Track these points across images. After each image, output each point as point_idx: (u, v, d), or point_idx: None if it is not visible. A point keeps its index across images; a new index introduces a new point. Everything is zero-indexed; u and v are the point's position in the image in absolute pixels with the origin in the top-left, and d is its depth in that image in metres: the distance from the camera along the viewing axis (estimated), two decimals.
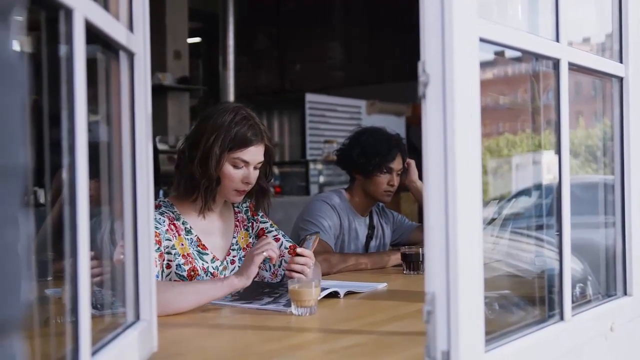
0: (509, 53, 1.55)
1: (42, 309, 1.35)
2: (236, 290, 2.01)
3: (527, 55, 1.61)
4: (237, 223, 2.40)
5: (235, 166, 2.20)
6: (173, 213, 2.23)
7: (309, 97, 8.18)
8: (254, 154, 2.22)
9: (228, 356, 1.56)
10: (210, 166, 2.17)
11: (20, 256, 0.60)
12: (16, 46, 0.61)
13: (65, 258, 1.06)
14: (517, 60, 1.74)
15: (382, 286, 2.36)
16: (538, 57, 1.57)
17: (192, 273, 2.18)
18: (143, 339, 1.36)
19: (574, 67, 1.59)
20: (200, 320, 1.86)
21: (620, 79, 1.83)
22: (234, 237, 2.36)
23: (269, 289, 2.15)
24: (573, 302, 1.57)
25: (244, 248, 2.37)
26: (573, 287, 1.63)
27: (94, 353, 1.09)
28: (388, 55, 9.28)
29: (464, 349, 1.16)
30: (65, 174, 1.02)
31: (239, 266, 2.31)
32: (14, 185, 0.59)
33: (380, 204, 3.22)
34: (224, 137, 2.16)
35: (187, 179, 2.22)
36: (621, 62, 1.83)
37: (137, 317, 1.38)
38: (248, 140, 2.19)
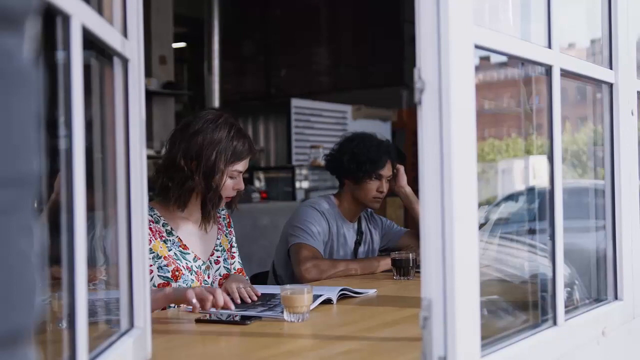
0: (494, 58, 1.56)
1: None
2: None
3: (513, 61, 1.62)
4: (220, 226, 2.48)
5: (231, 177, 2.31)
6: (152, 216, 2.27)
7: (295, 102, 8.17)
8: (247, 163, 2.35)
9: None
10: (214, 181, 2.25)
11: (34, 264, 0.60)
12: (30, 54, 0.61)
13: (56, 265, 1.05)
14: (502, 65, 1.74)
15: (372, 292, 2.36)
16: (531, 63, 1.58)
17: (177, 273, 2.24)
18: (137, 346, 1.35)
19: (565, 74, 1.60)
20: (193, 328, 1.86)
21: (610, 85, 1.85)
22: (218, 239, 2.44)
23: (262, 300, 2.14)
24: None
25: (227, 250, 2.46)
26: None
27: None
28: (374, 61, 9.30)
29: (460, 354, 1.17)
30: (62, 180, 1.01)
31: (224, 266, 2.41)
32: (28, 193, 0.59)
33: (369, 209, 3.22)
34: (225, 152, 2.26)
35: (186, 192, 2.27)
36: (611, 68, 1.84)
37: (132, 325, 1.37)
38: (246, 153, 2.32)
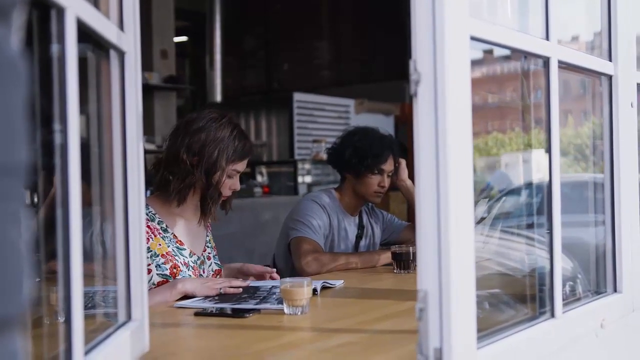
0: (498, 52, 1.56)
1: (31, 310, 1.35)
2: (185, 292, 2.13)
3: (516, 54, 1.62)
4: (208, 225, 2.52)
5: (229, 176, 2.34)
6: (147, 214, 2.28)
7: (297, 96, 8.16)
8: (245, 164, 2.39)
9: (220, 356, 1.56)
10: (214, 178, 2.29)
11: (22, 253, 0.61)
12: (17, 44, 0.61)
13: (54, 258, 1.05)
14: (506, 58, 1.74)
15: (339, 283, 2.38)
16: (528, 55, 1.58)
17: (175, 270, 2.27)
18: (135, 338, 1.35)
19: (563, 65, 1.60)
20: (191, 321, 1.86)
21: (609, 77, 1.84)
22: (207, 236, 2.49)
23: (246, 294, 2.14)
24: (563, 299, 1.57)
25: (214, 248, 2.51)
26: (563, 285, 1.63)
27: (86, 353, 1.09)
28: (376, 55, 9.30)
29: (456, 346, 1.17)
30: (57, 175, 1.02)
31: (215, 262, 2.46)
32: (16, 182, 0.60)
33: (370, 203, 3.22)
34: (227, 151, 2.29)
35: (186, 187, 2.29)
36: (610, 60, 1.84)
37: (129, 317, 1.38)
38: (247, 153, 2.36)
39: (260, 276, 2.45)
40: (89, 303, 1.37)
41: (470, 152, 1.23)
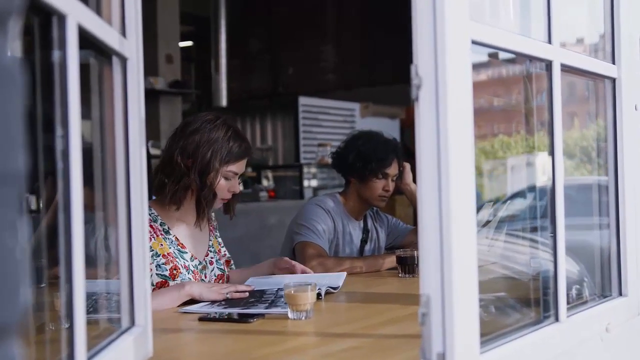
0: (502, 55, 1.56)
1: (35, 316, 1.35)
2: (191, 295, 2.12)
3: (520, 57, 1.61)
4: (211, 228, 2.52)
5: (226, 178, 2.33)
6: (150, 215, 2.29)
7: (303, 100, 8.18)
8: (243, 165, 2.38)
9: None
10: (208, 179, 2.28)
11: (19, 261, 0.61)
12: (14, 52, 0.61)
13: (59, 264, 1.06)
14: (511, 62, 1.74)
15: (342, 277, 2.40)
16: (530, 58, 1.58)
17: (175, 272, 2.27)
18: (138, 344, 1.35)
19: (566, 69, 1.59)
20: (195, 326, 1.86)
21: (613, 80, 1.84)
22: (210, 240, 2.48)
23: (253, 299, 2.14)
24: (569, 303, 1.57)
25: (217, 252, 2.50)
26: (569, 288, 1.63)
27: (89, 358, 1.09)
28: (381, 58, 9.28)
29: (459, 350, 1.17)
30: (59, 180, 1.02)
31: (217, 267, 2.46)
32: (13, 190, 0.60)
33: (375, 207, 3.22)
34: (221, 151, 2.29)
35: (181, 189, 2.29)
36: (614, 63, 1.83)
37: (132, 323, 1.38)
38: (243, 154, 2.34)
39: (290, 270, 2.47)
40: (92, 307, 1.37)
41: (472, 155, 1.23)
